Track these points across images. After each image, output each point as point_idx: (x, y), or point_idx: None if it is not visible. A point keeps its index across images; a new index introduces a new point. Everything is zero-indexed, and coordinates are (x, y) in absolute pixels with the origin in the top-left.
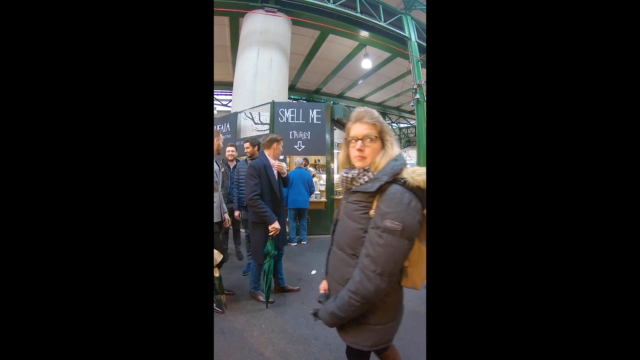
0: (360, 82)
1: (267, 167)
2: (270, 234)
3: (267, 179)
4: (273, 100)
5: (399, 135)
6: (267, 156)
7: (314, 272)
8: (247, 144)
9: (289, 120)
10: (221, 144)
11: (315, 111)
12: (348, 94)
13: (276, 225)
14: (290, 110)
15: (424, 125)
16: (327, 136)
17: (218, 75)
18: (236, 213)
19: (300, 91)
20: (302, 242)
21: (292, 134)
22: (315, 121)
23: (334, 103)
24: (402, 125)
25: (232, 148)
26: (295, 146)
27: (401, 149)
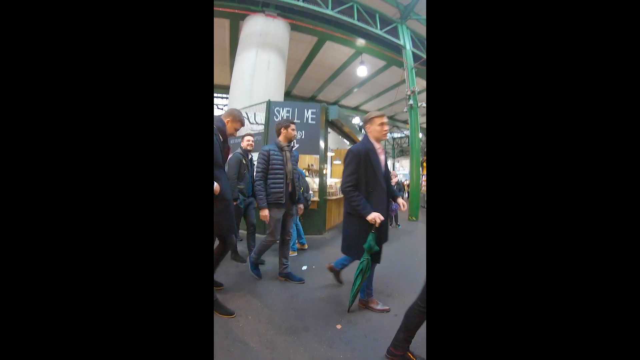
0: (355, 90)
1: (369, 150)
2: (374, 227)
3: (370, 164)
4: (269, 100)
5: (392, 145)
6: (370, 139)
7: (304, 267)
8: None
9: None
10: (238, 127)
11: (310, 111)
12: (343, 102)
13: (375, 216)
14: (285, 109)
15: (417, 132)
16: (321, 139)
17: (215, 78)
18: (264, 212)
19: (296, 97)
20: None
21: None
22: (310, 121)
23: (329, 103)
24: (395, 135)
25: (251, 137)
26: None
27: (394, 158)
